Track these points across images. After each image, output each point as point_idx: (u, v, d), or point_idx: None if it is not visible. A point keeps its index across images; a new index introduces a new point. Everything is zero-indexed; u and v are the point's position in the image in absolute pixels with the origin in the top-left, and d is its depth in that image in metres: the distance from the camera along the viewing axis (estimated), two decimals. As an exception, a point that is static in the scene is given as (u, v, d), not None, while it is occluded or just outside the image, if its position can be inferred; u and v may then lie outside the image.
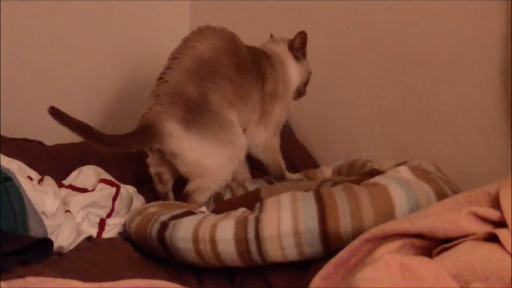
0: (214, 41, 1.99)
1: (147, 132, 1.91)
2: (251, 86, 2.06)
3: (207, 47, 1.97)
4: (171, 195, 2.06)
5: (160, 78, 1.98)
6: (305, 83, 2.31)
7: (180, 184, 2.02)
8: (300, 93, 2.31)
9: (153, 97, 1.95)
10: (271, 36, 2.36)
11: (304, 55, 2.27)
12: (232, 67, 1.99)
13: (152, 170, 2.05)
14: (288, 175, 2.24)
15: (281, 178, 2.21)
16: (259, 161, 2.22)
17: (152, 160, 2.04)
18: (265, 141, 2.16)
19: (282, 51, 2.25)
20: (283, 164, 2.23)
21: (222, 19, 2.92)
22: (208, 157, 1.93)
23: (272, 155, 2.20)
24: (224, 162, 1.96)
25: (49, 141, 2.39)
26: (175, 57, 1.99)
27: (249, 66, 2.06)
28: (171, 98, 1.92)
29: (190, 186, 1.96)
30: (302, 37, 2.23)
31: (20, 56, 2.62)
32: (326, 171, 2.25)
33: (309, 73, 2.31)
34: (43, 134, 2.43)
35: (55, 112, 1.78)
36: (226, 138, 1.94)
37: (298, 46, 2.25)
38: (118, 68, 2.92)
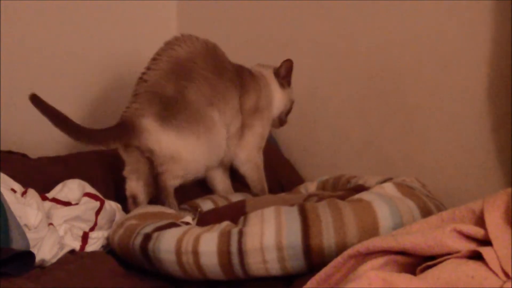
0: (193, 46, 2.05)
1: (125, 128, 1.95)
2: (229, 90, 2.09)
3: (186, 50, 2.03)
4: None
5: (139, 78, 2.03)
6: (288, 112, 2.32)
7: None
8: (281, 121, 2.33)
9: (132, 96, 2.01)
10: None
11: (289, 83, 2.29)
12: (209, 69, 2.03)
13: (128, 191, 2.06)
14: None
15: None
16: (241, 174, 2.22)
17: (128, 173, 2.04)
18: (247, 155, 2.18)
19: (268, 75, 2.26)
20: (265, 184, 2.23)
21: (209, 19, 2.93)
22: (183, 148, 1.96)
23: (255, 172, 2.20)
24: (198, 156, 2.00)
25: (34, 154, 2.37)
26: (154, 58, 2.05)
27: (227, 72, 2.09)
28: (148, 96, 1.97)
29: (162, 168, 1.97)
30: (288, 65, 2.25)
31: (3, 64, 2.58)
32: (311, 187, 2.24)
33: (292, 102, 2.32)
34: (28, 147, 2.41)
35: (35, 99, 1.83)
36: (203, 134, 1.98)
37: (283, 74, 2.26)
38: (104, 69, 2.90)
